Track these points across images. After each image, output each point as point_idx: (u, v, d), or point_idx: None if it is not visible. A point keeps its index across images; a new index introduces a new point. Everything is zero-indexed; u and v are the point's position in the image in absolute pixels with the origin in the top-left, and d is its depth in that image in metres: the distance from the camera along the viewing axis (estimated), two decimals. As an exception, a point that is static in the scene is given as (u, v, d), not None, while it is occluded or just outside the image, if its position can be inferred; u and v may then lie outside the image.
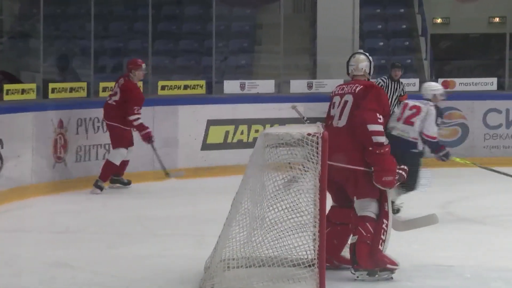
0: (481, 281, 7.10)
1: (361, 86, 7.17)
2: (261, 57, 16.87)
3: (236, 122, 14.45)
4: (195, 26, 16.96)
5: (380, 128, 6.98)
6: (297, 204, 6.68)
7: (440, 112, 9.68)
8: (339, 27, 16.36)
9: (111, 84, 12.51)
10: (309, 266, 6.52)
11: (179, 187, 12.39)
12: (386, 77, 13.67)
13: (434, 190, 10.87)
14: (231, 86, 15.09)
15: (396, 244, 7.23)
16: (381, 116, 7.01)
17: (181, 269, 7.33)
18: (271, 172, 6.80)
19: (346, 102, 7.16)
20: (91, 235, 9.20)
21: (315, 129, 6.72)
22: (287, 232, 6.71)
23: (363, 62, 7.37)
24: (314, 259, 6.51)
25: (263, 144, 6.85)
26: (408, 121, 9.48)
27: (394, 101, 13.46)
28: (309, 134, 6.58)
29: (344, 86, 7.32)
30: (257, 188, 6.80)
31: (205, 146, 14.22)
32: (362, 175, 7.02)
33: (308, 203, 6.63)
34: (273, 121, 13.78)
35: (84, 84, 13.58)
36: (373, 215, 7.00)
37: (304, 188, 6.67)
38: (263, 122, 14.09)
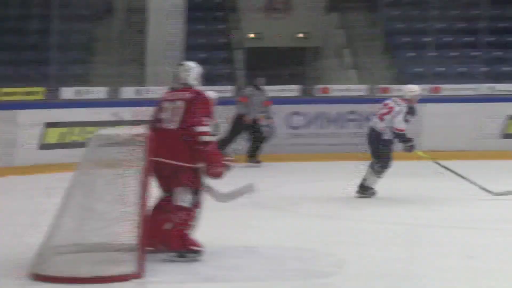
0: (279, 258, 7.22)
1: (192, 94, 7.19)
2: (96, 67, 16.76)
3: (71, 125, 14.35)
4: (36, 38, 16.70)
5: (206, 129, 7.01)
6: (123, 196, 6.66)
7: (412, 111, 10.64)
8: (166, 40, 16.45)
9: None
10: (131, 250, 6.54)
11: (17, 182, 12.22)
12: (251, 87, 14.58)
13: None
14: (67, 93, 15.00)
15: (208, 228, 7.37)
16: (207, 119, 7.11)
17: (19, 255, 7.18)
18: (102, 168, 6.81)
19: (177, 107, 7.19)
20: None
21: (141, 130, 6.77)
22: (114, 221, 6.65)
23: (194, 70, 7.40)
24: (135, 244, 6.53)
25: (96, 143, 6.88)
26: (380, 117, 10.64)
27: (259, 105, 14.35)
28: (136, 135, 6.65)
29: (174, 92, 7.33)
30: (88, 183, 6.76)
31: (43, 146, 14.08)
32: (184, 170, 7.09)
33: (132, 195, 6.63)
34: (105, 124, 13.74)
35: None
36: (187, 205, 7.10)
37: (130, 182, 6.67)
38: (96, 124, 14.04)
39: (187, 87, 7.32)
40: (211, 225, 7.85)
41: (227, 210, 9.40)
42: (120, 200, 6.68)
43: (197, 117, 7.06)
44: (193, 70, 7.42)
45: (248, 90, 14.57)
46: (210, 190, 7.29)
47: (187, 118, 7.09)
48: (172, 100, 7.26)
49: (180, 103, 7.20)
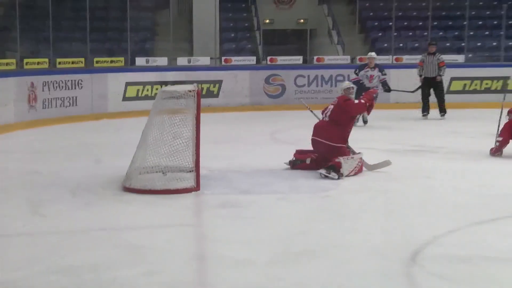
0: (293, 178, 7.12)
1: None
2: (158, 43, 16.61)
3: (143, 84, 14.29)
4: (116, 23, 16.50)
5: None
6: (183, 133, 6.61)
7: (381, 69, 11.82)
8: (207, 23, 16.27)
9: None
10: (190, 171, 6.55)
11: (109, 124, 12.20)
12: (424, 54, 12.79)
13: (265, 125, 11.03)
14: (140, 61, 14.91)
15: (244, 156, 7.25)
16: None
17: (112, 173, 7.20)
18: (166, 114, 6.75)
19: (330, 108, 7.54)
20: (52, 153, 8.95)
21: (193, 87, 6.63)
22: (177, 150, 6.61)
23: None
24: (193, 167, 6.52)
25: (161, 97, 6.83)
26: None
27: (435, 66, 12.54)
28: (189, 91, 6.55)
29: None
30: (158, 124, 6.70)
31: (125, 99, 14.05)
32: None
33: (189, 132, 6.57)
34: (166, 83, 13.68)
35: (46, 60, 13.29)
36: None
37: (187, 124, 6.59)
38: (161, 83, 13.98)
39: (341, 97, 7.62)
40: (244, 156, 7.83)
41: (255, 145, 9.42)
42: (181, 136, 6.62)
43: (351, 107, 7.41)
44: (341, 85, 7.78)
45: (423, 56, 12.77)
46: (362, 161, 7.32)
47: (337, 117, 7.39)
48: (331, 104, 7.57)
49: (331, 106, 7.50)
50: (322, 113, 7.65)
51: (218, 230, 5.20)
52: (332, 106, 7.54)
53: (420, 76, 12.78)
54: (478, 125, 11.25)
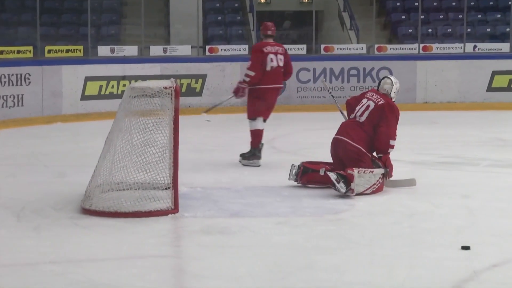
0: (295, 197, 7.17)
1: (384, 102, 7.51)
2: (126, 28, 16.62)
3: (108, 79, 14.30)
4: (73, 3, 16.57)
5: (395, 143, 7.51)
6: (157, 140, 6.60)
7: None
8: (187, 4, 16.28)
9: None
10: (166, 188, 6.54)
11: (64, 129, 12.20)
12: None
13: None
14: (103, 50, 14.92)
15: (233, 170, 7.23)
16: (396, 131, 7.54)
17: (68, 192, 7.19)
18: (136, 117, 6.72)
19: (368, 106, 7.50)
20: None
21: (170, 83, 6.65)
22: (150, 162, 6.61)
23: (396, 86, 7.67)
24: (170, 183, 6.52)
25: (129, 95, 6.81)
26: None
27: None
28: (165, 88, 6.53)
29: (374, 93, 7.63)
30: (125, 129, 6.68)
31: (84, 97, 14.04)
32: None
33: (165, 139, 6.57)
34: (137, 78, 13.67)
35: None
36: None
37: (162, 129, 6.60)
38: (129, 78, 13.99)
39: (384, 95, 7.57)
40: (235, 169, 7.85)
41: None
42: (154, 144, 6.60)
43: (389, 127, 7.37)
44: (395, 85, 7.66)
45: None
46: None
47: (375, 121, 7.38)
48: (370, 99, 7.51)
49: (371, 104, 7.48)
50: (349, 109, 7.67)
51: (200, 262, 5.18)
52: (369, 104, 7.50)
53: None
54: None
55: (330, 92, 8.34)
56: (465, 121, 12.92)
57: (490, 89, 14.45)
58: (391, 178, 7.43)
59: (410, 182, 7.53)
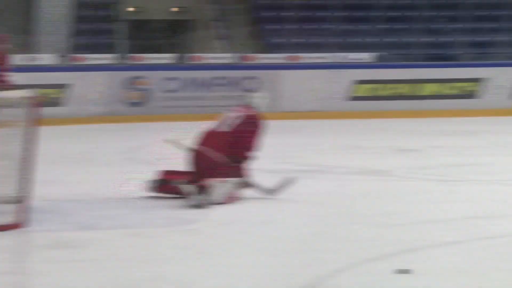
0: (149, 208, 7.10)
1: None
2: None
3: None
4: None
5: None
6: (9, 153, 6.43)
7: None
8: (54, 11, 16.00)
9: None
10: (17, 202, 6.33)
11: None
12: None
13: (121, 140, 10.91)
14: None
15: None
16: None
17: None
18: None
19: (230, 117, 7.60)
20: None
21: (29, 93, 6.46)
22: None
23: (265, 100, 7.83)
24: (19, 196, 6.33)
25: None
26: None
27: None
28: (23, 98, 6.39)
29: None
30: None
31: None
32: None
33: (19, 151, 6.38)
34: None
35: None
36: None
37: (17, 140, 6.41)
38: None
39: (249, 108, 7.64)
40: (88, 182, 7.73)
41: (106, 166, 9.30)
42: (6, 156, 6.43)
43: (250, 138, 7.47)
44: (261, 98, 7.82)
45: None
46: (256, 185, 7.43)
47: (236, 131, 7.45)
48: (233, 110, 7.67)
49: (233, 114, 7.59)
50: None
51: (45, 278, 5.06)
52: (231, 114, 7.63)
53: None
54: (384, 138, 11.66)
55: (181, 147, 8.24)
56: (325, 129, 13.20)
57: (352, 98, 14.84)
58: (248, 187, 7.51)
59: (287, 181, 7.56)
